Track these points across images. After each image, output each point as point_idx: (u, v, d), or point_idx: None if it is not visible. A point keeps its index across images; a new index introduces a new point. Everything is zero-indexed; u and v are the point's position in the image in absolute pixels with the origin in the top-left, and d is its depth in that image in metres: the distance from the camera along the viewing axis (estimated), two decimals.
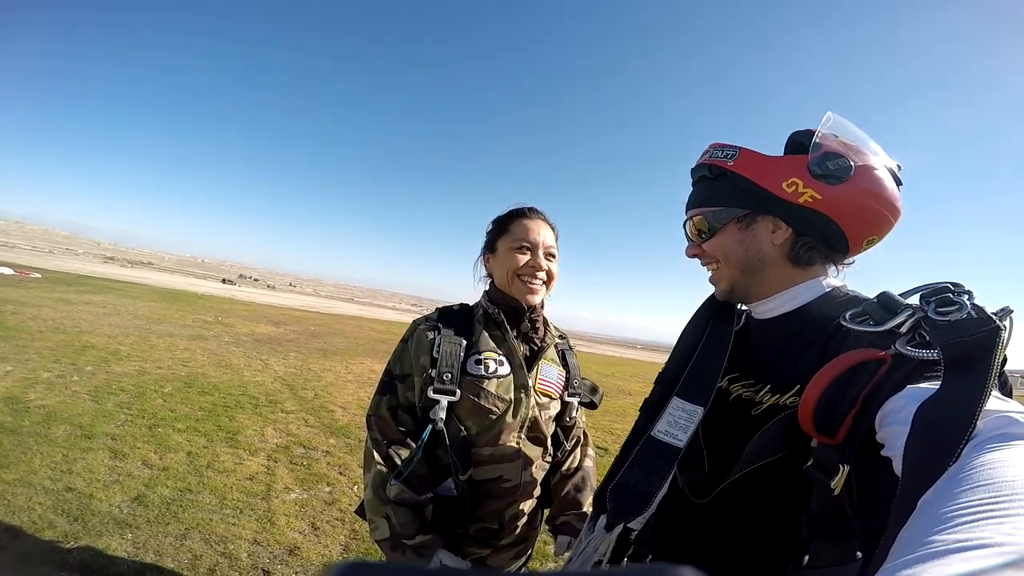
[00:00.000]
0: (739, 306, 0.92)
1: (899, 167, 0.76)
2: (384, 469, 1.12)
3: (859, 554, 0.60)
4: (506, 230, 1.25)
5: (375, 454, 1.14)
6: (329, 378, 7.12)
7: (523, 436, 1.21)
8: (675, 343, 0.94)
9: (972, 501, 0.35)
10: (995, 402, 0.48)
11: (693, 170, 0.87)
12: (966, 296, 0.56)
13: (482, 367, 1.16)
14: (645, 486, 0.75)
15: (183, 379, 5.55)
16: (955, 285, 0.59)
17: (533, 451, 1.23)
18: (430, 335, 1.18)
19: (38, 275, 16.57)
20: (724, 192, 0.81)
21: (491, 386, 1.16)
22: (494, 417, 1.16)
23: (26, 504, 2.45)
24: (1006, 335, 0.51)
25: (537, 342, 1.29)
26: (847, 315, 0.67)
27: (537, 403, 1.23)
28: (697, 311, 0.94)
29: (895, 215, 0.75)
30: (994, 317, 0.52)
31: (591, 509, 0.83)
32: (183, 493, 2.85)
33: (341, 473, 3.57)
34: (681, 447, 0.77)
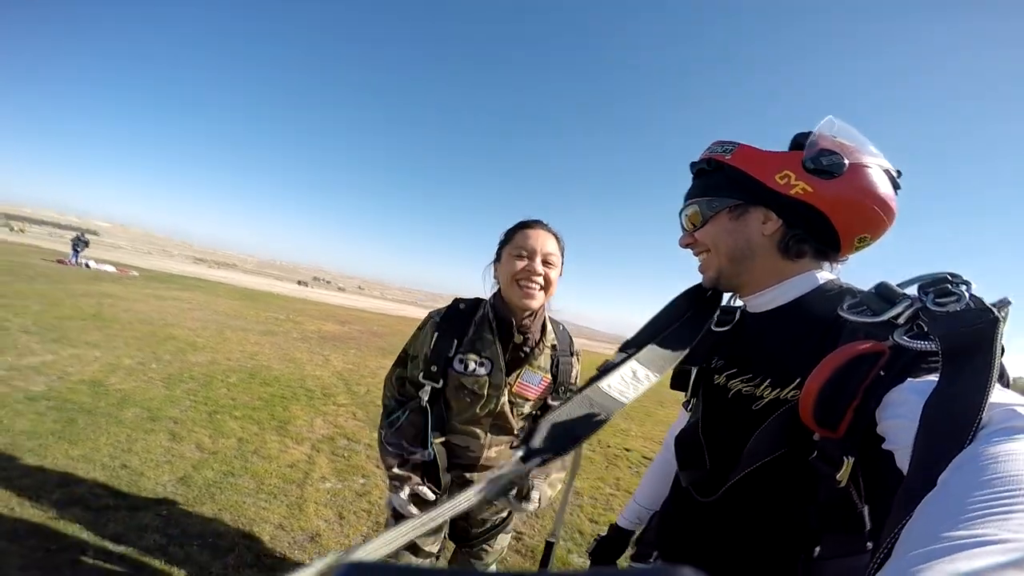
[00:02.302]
0: (731, 302, 0.93)
1: (899, 173, 0.77)
2: (385, 414, 1.46)
3: (869, 545, 0.60)
4: (510, 240, 1.37)
5: (384, 404, 1.50)
6: (384, 374, 7.30)
7: (489, 423, 1.41)
8: (649, 319, 0.92)
9: (978, 496, 0.34)
10: (998, 394, 0.47)
11: (692, 164, 0.89)
12: (964, 287, 0.56)
13: (463, 366, 1.35)
14: (579, 430, 0.71)
15: (248, 370, 5.89)
16: (953, 276, 0.58)
17: (498, 438, 1.43)
18: (434, 331, 1.40)
19: (136, 273, 18.57)
20: (719, 184, 0.83)
21: (467, 382, 1.35)
22: (467, 404, 1.38)
23: (83, 478, 2.63)
24: (1003, 326, 0.51)
25: (525, 351, 1.40)
26: (845, 306, 0.66)
27: (511, 401, 1.39)
28: (680, 295, 0.94)
29: (888, 215, 0.76)
30: (992, 308, 0.51)
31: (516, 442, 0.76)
32: (226, 476, 2.96)
33: (378, 466, 3.57)
34: (624, 404, 0.76)
